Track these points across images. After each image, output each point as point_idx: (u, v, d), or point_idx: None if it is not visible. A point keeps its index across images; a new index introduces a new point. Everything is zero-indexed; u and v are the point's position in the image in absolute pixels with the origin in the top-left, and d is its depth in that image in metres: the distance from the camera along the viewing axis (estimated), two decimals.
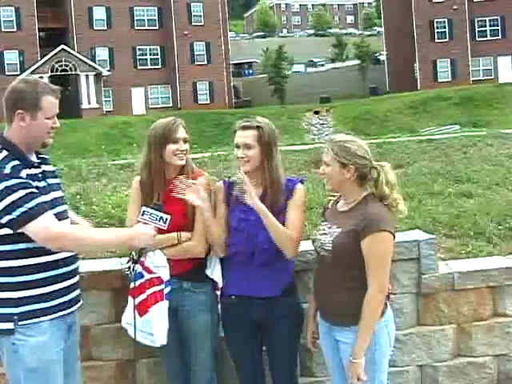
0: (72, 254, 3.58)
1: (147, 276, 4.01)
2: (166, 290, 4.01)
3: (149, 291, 4.01)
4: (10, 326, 3.37)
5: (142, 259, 3.98)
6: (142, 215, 3.61)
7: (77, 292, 3.66)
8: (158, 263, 3.99)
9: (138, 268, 4.01)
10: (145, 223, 3.60)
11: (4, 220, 3.29)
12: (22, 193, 3.29)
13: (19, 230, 3.31)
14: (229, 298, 4.09)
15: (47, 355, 3.43)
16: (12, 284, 3.38)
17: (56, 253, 3.44)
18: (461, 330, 4.87)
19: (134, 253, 3.99)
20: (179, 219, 4.00)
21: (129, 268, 4.07)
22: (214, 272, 4.17)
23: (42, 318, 3.41)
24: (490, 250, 5.38)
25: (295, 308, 4.15)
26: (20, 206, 3.27)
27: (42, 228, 3.29)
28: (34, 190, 3.35)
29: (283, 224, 3.93)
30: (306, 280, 4.57)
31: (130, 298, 4.08)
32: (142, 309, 4.01)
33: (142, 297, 4.02)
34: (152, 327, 3.99)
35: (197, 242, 4.06)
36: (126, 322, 4.13)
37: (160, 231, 3.69)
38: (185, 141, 4.09)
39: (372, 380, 3.77)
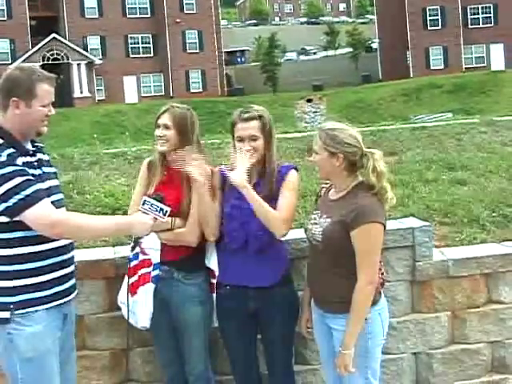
0: (68, 242, 3.56)
1: (141, 257, 4.07)
2: (154, 273, 4.04)
3: (140, 272, 4.06)
4: (6, 315, 3.36)
5: (141, 240, 4.00)
6: (143, 204, 3.60)
7: (72, 281, 3.65)
8: (151, 245, 4.03)
9: (137, 249, 4.06)
10: (144, 213, 3.59)
11: (0, 208, 3.27)
12: (18, 180, 3.26)
13: (17, 218, 3.29)
14: (224, 288, 4.07)
15: (43, 345, 3.41)
16: (9, 272, 3.36)
17: (53, 241, 3.42)
18: (455, 317, 4.88)
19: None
20: (173, 206, 4.01)
21: (132, 248, 4.10)
22: (211, 260, 4.16)
23: (37, 307, 3.40)
24: (484, 237, 5.38)
25: (291, 298, 4.14)
26: (17, 194, 3.24)
27: (39, 215, 3.27)
28: (31, 178, 3.33)
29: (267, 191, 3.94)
30: (301, 268, 4.55)
31: (126, 278, 4.12)
32: (132, 289, 4.06)
33: (134, 278, 4.07)
34: (136, 308, 4.04)
35: (189, 230, 4.04)
36: (121, 301, 4.17)
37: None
38: (165, 127, 4.06)
39: (365, 368, 3.77)
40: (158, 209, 3.60)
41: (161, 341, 4.26)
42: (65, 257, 3.54)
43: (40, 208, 3.28)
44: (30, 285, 3.39)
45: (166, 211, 3.62)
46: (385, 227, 3.71)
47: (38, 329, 3.40)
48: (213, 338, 4.32)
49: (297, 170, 4.09)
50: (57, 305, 3.49)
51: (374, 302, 3.74)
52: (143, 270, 4.05)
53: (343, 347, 3.67)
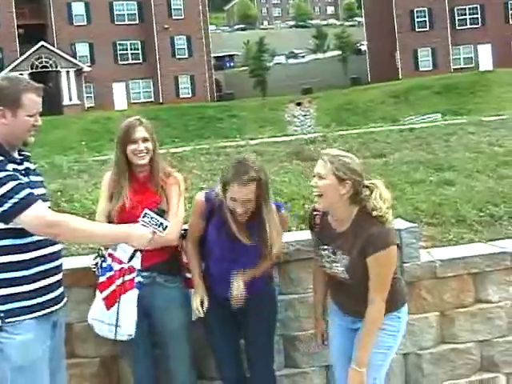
0: (57, 249, 3.56)
1: (117, 267, 4.01)
2: (137, 279, 4.00)
3: (118, 281, 3.99)
4: None
5: (110, 251, 4.01)
6: (143, 217, 3.56)
7: (61, 289, 3.64)
8: (129, 253, 3.96)
9: (108, 260, 4.03)
10: (143, 225, 3.55)
11: None
12: (11, 184, 3.27)
13: (12, 222, 3.27)
14: (208, 289, 4.10)
15: (33, 353, 3.40)
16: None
17: (42, 248, 3.42)
18: (444, 317, 4.89)
19: (102, 248, 4.10)
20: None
21: (96, 264, 4.12)
22: None
23: (27, 316, 3.39)
24: (472, 237, 5.41)
25: (271, 295, 4.23)
26: (11, 198, 3.24)
27: (36, 216, 3.27)
28: (22, 181, 3.34)
29: (259, 236, 3.93)
30: (289, 271, 4.58)
31: (97, 293, 4.07)
32: (110, 301, 4.00)
33: (111, 288, 4.00)
34: (120, 318, 3.96)
35: (171, 230, 3.98)
36: (92, 318, 4.10)
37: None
38: (144, 140, 4.12)
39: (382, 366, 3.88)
40: (158, 223, 3.54)
41: (140, 351, 4.20)
42: (54, 264, 3.54)
43: (36, 209, 3.28)
44: (20, 293, 3.37)
45: (166, 226, 3.56)
46: (398, 246, 3.78)
47: (29, 337, 3.38)
48: (201, 343, 4.32)
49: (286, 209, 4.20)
50: (46, 313, 3.48)
51: (398, 308, 3.84)
52: (123, 279, 3.97)
53: (359, 365, 3.68)
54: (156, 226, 3.54)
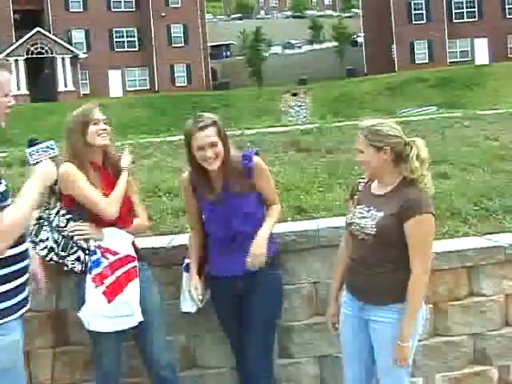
0: (24, 248, 3.33)
1: (112, 258, 3.97)
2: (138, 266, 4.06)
3: (118, 272, 3.95)
4: None
5: (98, 244, 3.97)
6: (30, 157, 3.39)
7: (28, 288, 3.42)
8: (124, 243, 4.03)
9: (97, 253, 3.97)
10: (38, 162, 3.37)
11: None
12: None
13: None
14: (216, 279, 4.19)
15: (16, 354, 3.26)
16: None
17: (19, 245, 3.23)
18: (437, 309, 4.90)
19: (81, 242, 4.01)
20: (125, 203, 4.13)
21: (78, 259, 4.02)
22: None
23: (11, 317, 3.21)
24: (466, 230, 5.41)
25: (276, 283, 4.24)
26: None
27: None
28: None
29: (258, 200, 4.11)
30: (284, 262, 4.57)
31: (92, 289, 3.94)
32: (112, 292, 3.93)
33: (111, 279, 3.94)
34: (131, 307, 3.95)
35: (144, 217, 4.30)
36: (92, 315, 3.97)
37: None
38: (104, 122, 4.10)
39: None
40: (44, 148, 3.42)
41: (116, 342, 4.11)
42: (25, 263, 3.33)
43: None
44: (2, 293, 3.18)
45: (52, 144, 3.45)
46: (436, 218, 3.79)
47: (15, 337, 3.23)
48: (194, 331, 4.33)
49: (258, 155, 4.18)
50: (23, 312, 3.33)
51: None
52: (125, 268, 3.97)
53: (402, 340, 3.68)
54: (46, 153, 3.42)
